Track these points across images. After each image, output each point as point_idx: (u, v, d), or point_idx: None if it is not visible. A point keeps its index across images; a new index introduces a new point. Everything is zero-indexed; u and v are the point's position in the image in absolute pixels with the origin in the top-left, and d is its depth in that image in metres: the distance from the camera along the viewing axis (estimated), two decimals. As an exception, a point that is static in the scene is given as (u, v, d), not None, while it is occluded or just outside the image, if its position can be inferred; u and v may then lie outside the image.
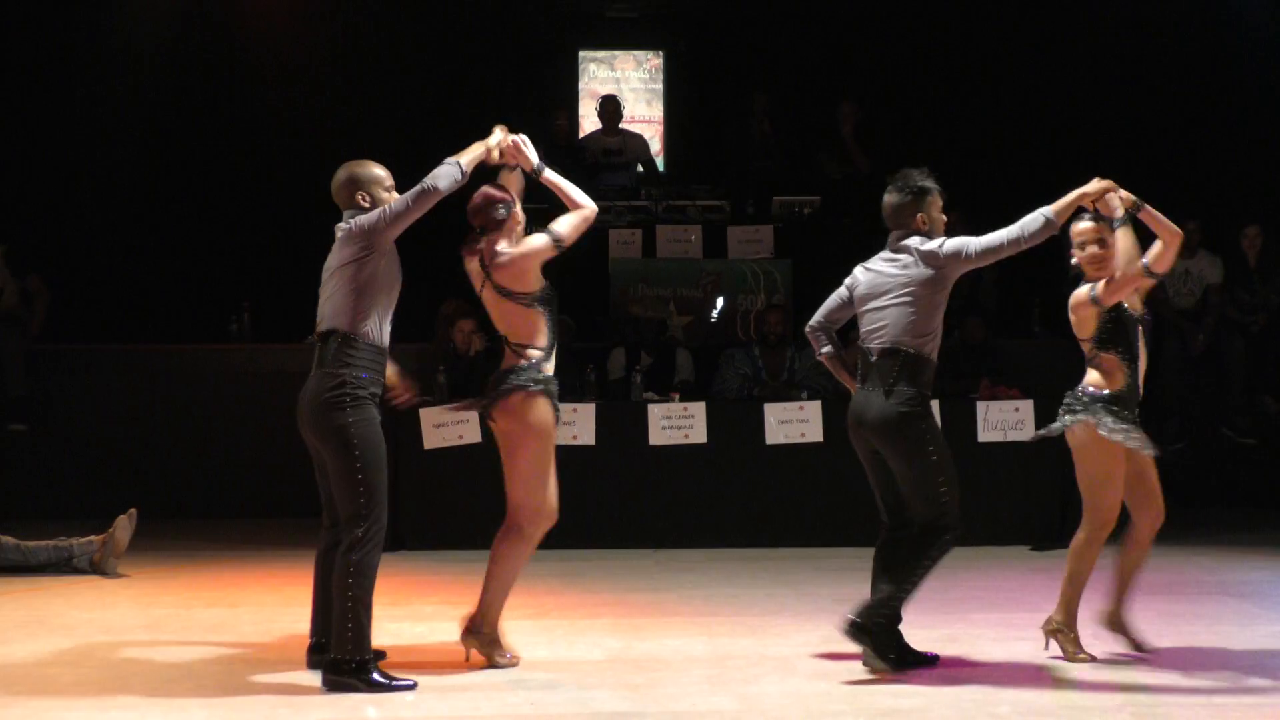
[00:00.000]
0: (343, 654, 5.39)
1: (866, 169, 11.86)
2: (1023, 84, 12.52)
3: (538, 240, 5.84)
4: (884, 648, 5.62)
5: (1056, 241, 12.59)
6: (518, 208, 5.95)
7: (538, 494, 5.79)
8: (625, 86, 13.68)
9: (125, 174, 12.11)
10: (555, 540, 8.68)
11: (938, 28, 12.75)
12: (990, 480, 8.90)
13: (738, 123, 12.38)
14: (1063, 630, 5.88)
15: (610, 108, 12.25)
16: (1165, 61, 12.15)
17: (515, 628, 6.61)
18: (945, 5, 12.68)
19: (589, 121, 12.90)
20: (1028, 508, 8.99)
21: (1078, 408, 5.90)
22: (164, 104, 12.24)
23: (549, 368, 5.78)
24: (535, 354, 5.75)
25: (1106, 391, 5.84)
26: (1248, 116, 12.13)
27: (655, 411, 8.96)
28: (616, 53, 13.84)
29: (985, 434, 8.91)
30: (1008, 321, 11.14)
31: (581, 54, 13.76)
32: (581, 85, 13.68)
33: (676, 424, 8.94)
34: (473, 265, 5.86)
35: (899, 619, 5.73)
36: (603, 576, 7.98)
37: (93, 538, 7.97)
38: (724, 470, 8.96)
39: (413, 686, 5.42)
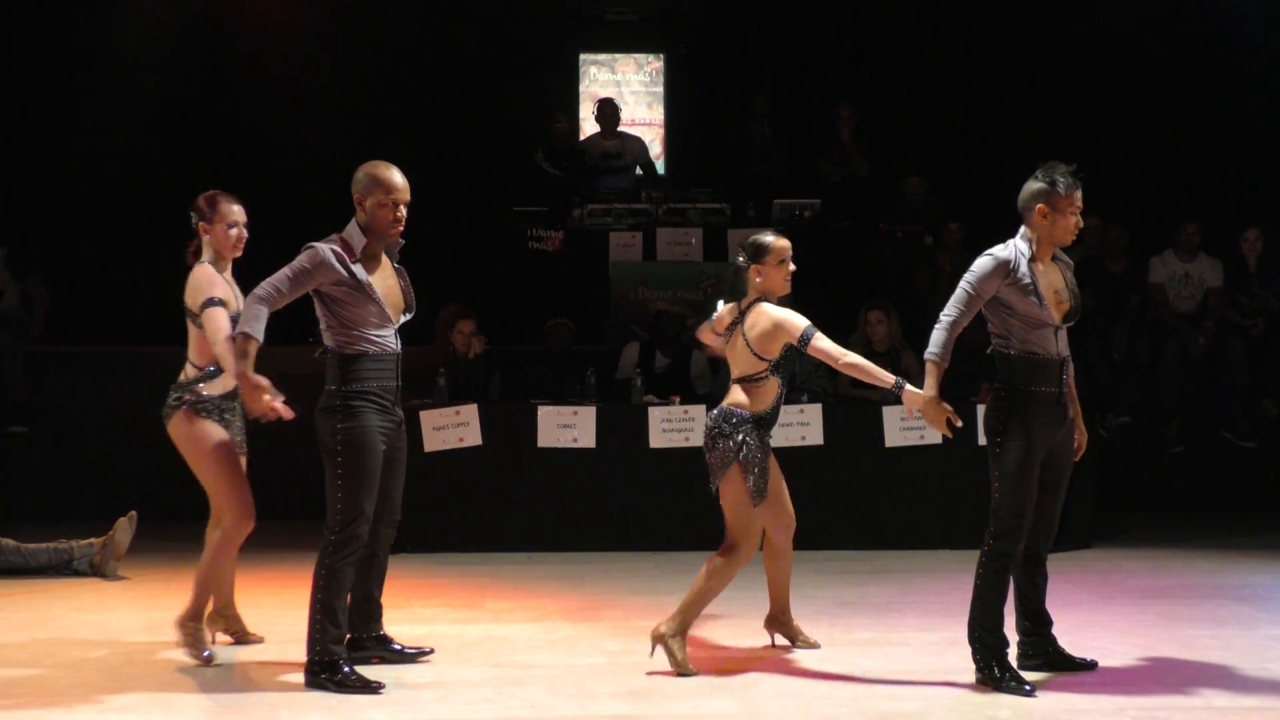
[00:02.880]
0: (311, 655, 5.51)
1: (865, 172, 11.88)
2: (1022, 87, 12.53)
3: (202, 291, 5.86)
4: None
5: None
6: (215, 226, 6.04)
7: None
8: (625, 89, 13.70)
9: (126, 176, 12.11)
10: (556, 543, 8.78)
11: (937, 31, 12.76)
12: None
13: (738, 126, 12.40)
14: (673, 637, 5.75)
15: (607, 111, 12.26)
16: (1166, 64, 12.16)
17: (515, 630, 6.62)
18: (944, 8, 12.69)
19: (589, 124, 12.91)
20: (1028, 511, 8.97)
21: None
22: (165, 107, 12.25)
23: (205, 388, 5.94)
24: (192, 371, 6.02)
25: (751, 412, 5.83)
26: (1248, 119, 12.14)
27: (655, 414, 8.96)
28: (617, 56, 13.86)
29: (986, 436, 8.89)
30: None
31: (582, 57, 13.78)
32: (582, 88, 13.69)
33: (677, 427, 8.94)
34: None
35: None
36: (603, 579, 7.98)
37: (93, 540, 7.97)
38: (724, 473, 8.95)
39: (380, 689, 5.46)
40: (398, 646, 5.99)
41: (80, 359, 10.68)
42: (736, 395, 5.86)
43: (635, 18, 13.58)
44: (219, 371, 5.88)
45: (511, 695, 5.45)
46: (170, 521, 9.50)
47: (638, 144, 12.42)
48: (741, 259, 5.96)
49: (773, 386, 5.87)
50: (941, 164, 12.09)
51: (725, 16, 13.16)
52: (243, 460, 6.07)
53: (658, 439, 8.91)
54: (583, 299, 10.54)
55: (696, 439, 8.98)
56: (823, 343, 5.80)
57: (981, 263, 5.70)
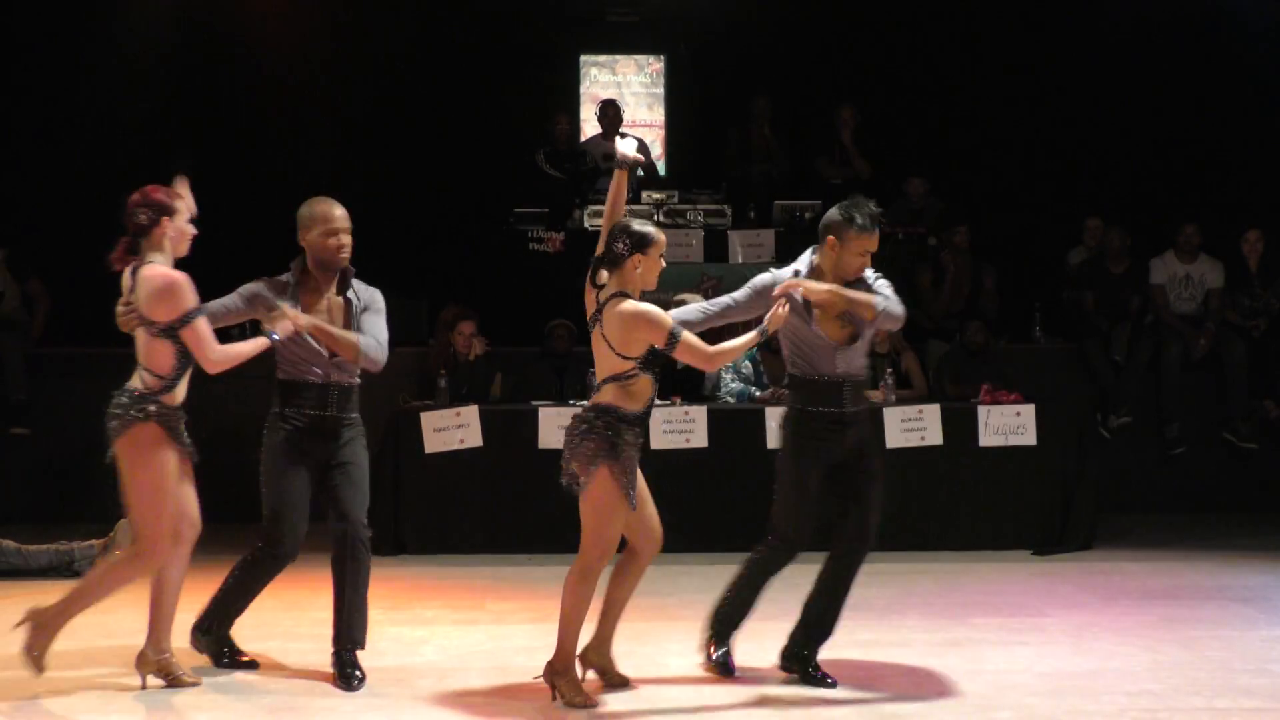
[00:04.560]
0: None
1: (866, 174, 11.87)
2: (1022, 89, 12.52)
3: (181, 300, 5.54)
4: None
5: (1057, 246, 12.66)
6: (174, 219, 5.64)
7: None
8: (626, 91, 13.70)
9: (127, 178, 12.05)
10: (556, 544, 8.76)
11: (937, 33, 12.76)
12: (991, 485, 8.91)
13: (738, 127, 12.40)
14: (563, 674, 5.46)
15: (610, 112, 12.26)
16: (1166, 65, 12.15)
17: (516, 632, 6.62)
18: (944, 10, 12.69)
19: (590, 125, 12.90)
20: (1029, 513, 8.98)
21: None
22: (164, 108, 12.23)
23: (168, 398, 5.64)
24: (151, 380, 5.70)
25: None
26: (1248, 120, 12.14)
27: (655, 416, 8.93)
28: (618, 57, 13.85)
29: (986, 439, 8.91)
30: (1009, 326, 11.14)
31: (583, 58, 13.78)
32: (583, 89, 13.69)
33: (677, 428, 8.94)
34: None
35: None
36: (603, 581, 7.94)
37: (94, 542, 7.97)
38: (725, 475, 8.95)
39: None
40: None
41: (81, 361, 10.66)
42: (608, 395, 5.40)
43: (636, 19, 13.57)
44: (178, 382, 5.58)
45: (512, 696, 5.45)
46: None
47: (639, 146, 12.41)
48: (622, 246, 5.42)
49: (645, 384, 5.43)
50: (943, 165, 12.09)
51: (726, 17, 13.15)
52: (190, 468, 5.72)
53: (658, 440, 8.90)
54: (583, 300, 10.52)
55: (697, 440, 9.01)
56: (693, 341, 5.44)
57: (762, 277, 5.78)
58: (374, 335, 5.81)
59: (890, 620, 6.81)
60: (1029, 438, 8.89)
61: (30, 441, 10.25)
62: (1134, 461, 10.49)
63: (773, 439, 8.90)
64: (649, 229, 5.48)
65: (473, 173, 12.23)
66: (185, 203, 5.60)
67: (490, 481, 8.93)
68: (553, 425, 8.87)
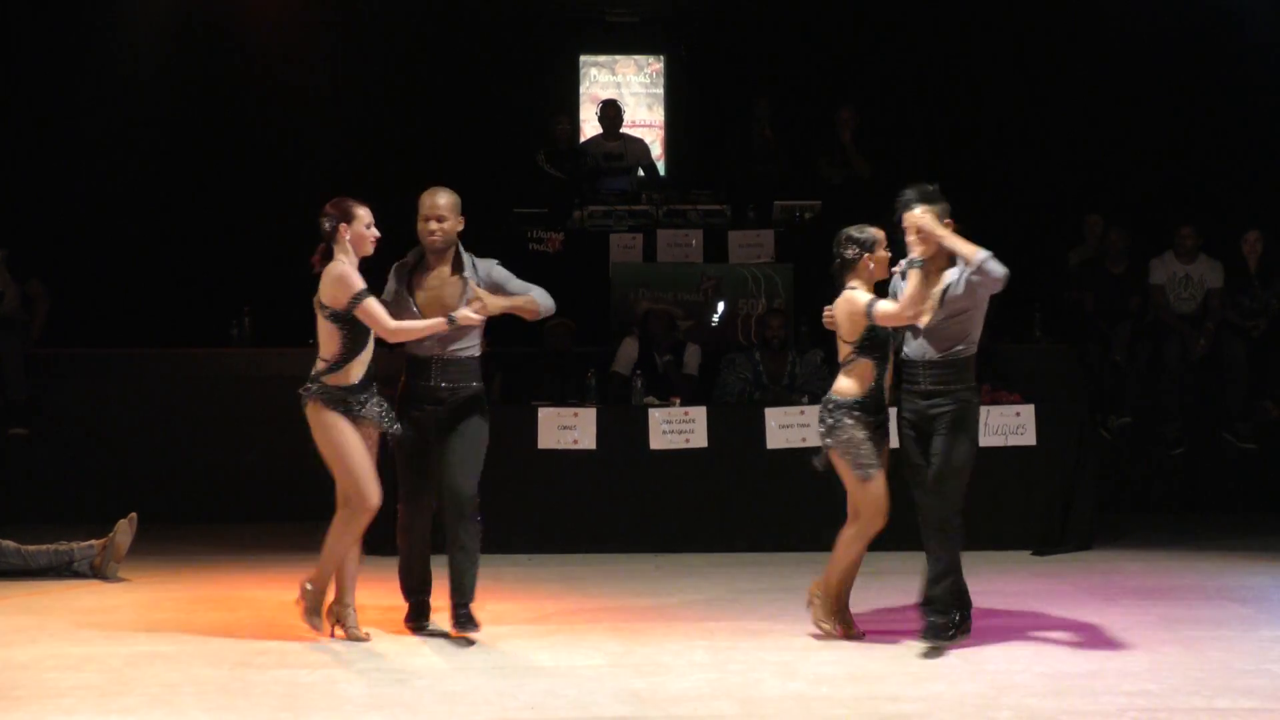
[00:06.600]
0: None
1: (866, 174, 11.86)
2: (1022, 89, 12.52)
3: (350, 288, 6.27)
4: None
5: (1056, 247, 12.64)
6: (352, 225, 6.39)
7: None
8: (626, 91, 13.69)
9: (126, 178, 12.11)
10: (556, 544, 8.76)
11: (937, 33, 12.75)
12: (991, 485, 8.88)
13: (738, 127, 12.38)
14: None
15: (610, 112, 12.26)
16: (1166, 65, 12.16)
17: (516, 632, 6.62)
18: (944, 11, 12.68)
19: (590, 126, 12.90)
20: (1029, 512, 8.98)
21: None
22: (165, 109, 12.24)
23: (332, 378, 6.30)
24: (320, 364, 6.35)
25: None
26: (1248, 121, 12.14)
27: (656, 416, 8.96)
28: (617, 57, 13.85)
29: (986, 438, 8.86)
30: (1008, 326, 11.13)
31: (583, 59, 13.77)
32: (583, 90, 13.69)
33: (677, 428, 8.94)
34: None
35: None
36: (603, 581, 7.97)
37: (93, 542, 7.97)
38: (725, 475, 8.96)
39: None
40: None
41: (80, 361, 10.67)
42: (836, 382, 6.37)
43: (636, 19, 13.57)
44: (344, 365, 6.25)
45: (512, 697, 5.45)
46: (170, 523, 9.52)
47: (640, 146, 12.42)
48: (852, 252, 6.36)
49: (866, 368, 6.31)
50: (942, 167, 12.06)
51: (726, 18, 13.15)
52: (373, 445, 6.36)
53: (658, 440, 8.91)
54: (583, 301, 10.52)
55: (697, 440, 9.01)
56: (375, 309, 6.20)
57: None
58: (531, 291, 6.53)
59: (891, 620, 6.81)
60: (1029, 438, 8.89)
61: (30, 441, 10.26)
62: (1134, 461, 10.49)
63: (773, 439, 8.93)
64: (869, 231, 6.36)
65: (473, 173, 12.20)
66: (365, 209, 6.34)
67: (490, 482, 8.86)
68: (552, 425, 8.87)
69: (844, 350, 6.30)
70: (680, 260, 10.97)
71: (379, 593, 6.86)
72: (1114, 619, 6.80)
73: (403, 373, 6.53)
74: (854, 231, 6.36)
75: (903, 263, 6.29)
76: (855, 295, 6.25)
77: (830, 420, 6.27)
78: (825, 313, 6.41)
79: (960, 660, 6.00)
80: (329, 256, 6.27)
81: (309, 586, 6.36)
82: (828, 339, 10.22)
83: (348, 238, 6.27)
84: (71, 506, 9.75)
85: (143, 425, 10.38)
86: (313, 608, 6.36)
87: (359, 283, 6.21)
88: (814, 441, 8.99)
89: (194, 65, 12.41)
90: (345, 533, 6.30)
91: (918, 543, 6.35)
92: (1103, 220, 11.31)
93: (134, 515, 8.02)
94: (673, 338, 10.01)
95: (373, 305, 6.22)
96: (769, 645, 6.30)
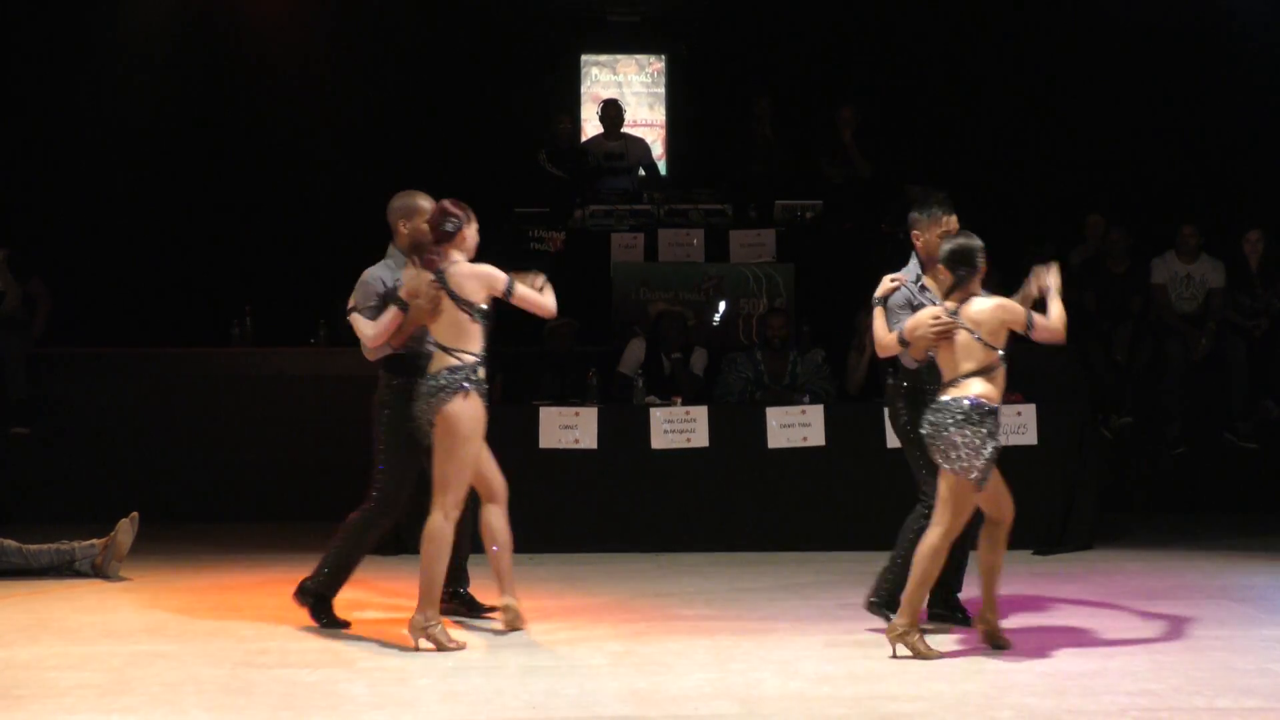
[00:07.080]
0: None
1: (867, 173, 11.87)
2: (1023, 89, 12.53)
3: (498, 276, 6.40)
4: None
5: (1057, 245, 12.60)
6: (469, 227, 6.49)
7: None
8: (627, 90, 13.69)
9: (127, 178, 12.11)
10: (558, 544, 8.76)
11: (938, 32, 12.76)
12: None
13: (739, 127, 12.38)
14: (909, 631, 6.02)
15: (612, 112, 12.26)
16: (1166, 65, 12.16)
17: (516, 632, 6.61)
18: (945, 10, 12.69)
19: (591, 125, 12.91)
20: (1030, 512, 8.88)
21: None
22: (166, 108, 12.24)
23: (482, 372, 6.30)
24: (469, 358, 6.23)
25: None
26: (1249, 120, 12.14)
27: (657, 415, 8.96)
28: (619, 57, 13.85)
29: (987, 438, 8.90)
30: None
31: (584, 58, 13.77)
32: (584, 89, 13.69)
33: (678, 428, 8.94)
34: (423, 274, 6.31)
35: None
36: (605, 580, 7.97)
37: (95, 541, 7.97)
38: (726, 474, 8.95)
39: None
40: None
41: (82, 360, 10.67)
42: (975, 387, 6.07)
43: (637, 19, 13.57)
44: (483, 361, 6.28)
45: (513, 696, 5.45)
46: (172, 523, 9.52)
47: (641, 145, 12.42)
48: (965, 271, 6.33)
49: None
50: (943, 166, 12.08)
51: (727, 17, 13.15)
52: None
53: (659, 440, 8.91)
54: (584, 300, 10.52)
55: (698, 440, 9.01)
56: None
57: None
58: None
59: (891, 619, 6.80)
60: (1029, 438, 8.89)
61: (30, 441, 10.26)
62: (1135, 461, 10.49)
63: (774, 438, 8.93)
64: (974, 244, 6.31)
65: (474, 172, 12.22)
66: (469, 212, 6.50)
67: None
68: (554, 425, 8.88)
69: (984, 355, 6.06)
70: (681, 260, 10.98)
71: (380, 593, 6.86)
72: (1115, 618, 6.80)
73: (401, 373, 6.48)
74: (979, 248, 6.33)
75: (927, 280, 6.48)
76: (1014, 304, 6.21)
77: (989, 426, 5.97)
78: (941, 318, 6.20)
79: (960, 660, 6.00)
80: (432, 257, 6.29)
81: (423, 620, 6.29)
82: (829, 339, 10.30)
83: (468, 238, 6.41)
84: (73, 506, 9.75)
85: (144, 425, 10.38)
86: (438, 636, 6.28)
87: (501, 273, 6.37)
88: (814, 441, 9.09)
89: (194, 65, 12.42)
90: (450, 534, 6.43)
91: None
92: (1104, 220, 11.30)
93: (135, 514, 8.02)
94: (685, 340, 10.01)
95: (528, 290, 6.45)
96: (770, 644, 6.29)
